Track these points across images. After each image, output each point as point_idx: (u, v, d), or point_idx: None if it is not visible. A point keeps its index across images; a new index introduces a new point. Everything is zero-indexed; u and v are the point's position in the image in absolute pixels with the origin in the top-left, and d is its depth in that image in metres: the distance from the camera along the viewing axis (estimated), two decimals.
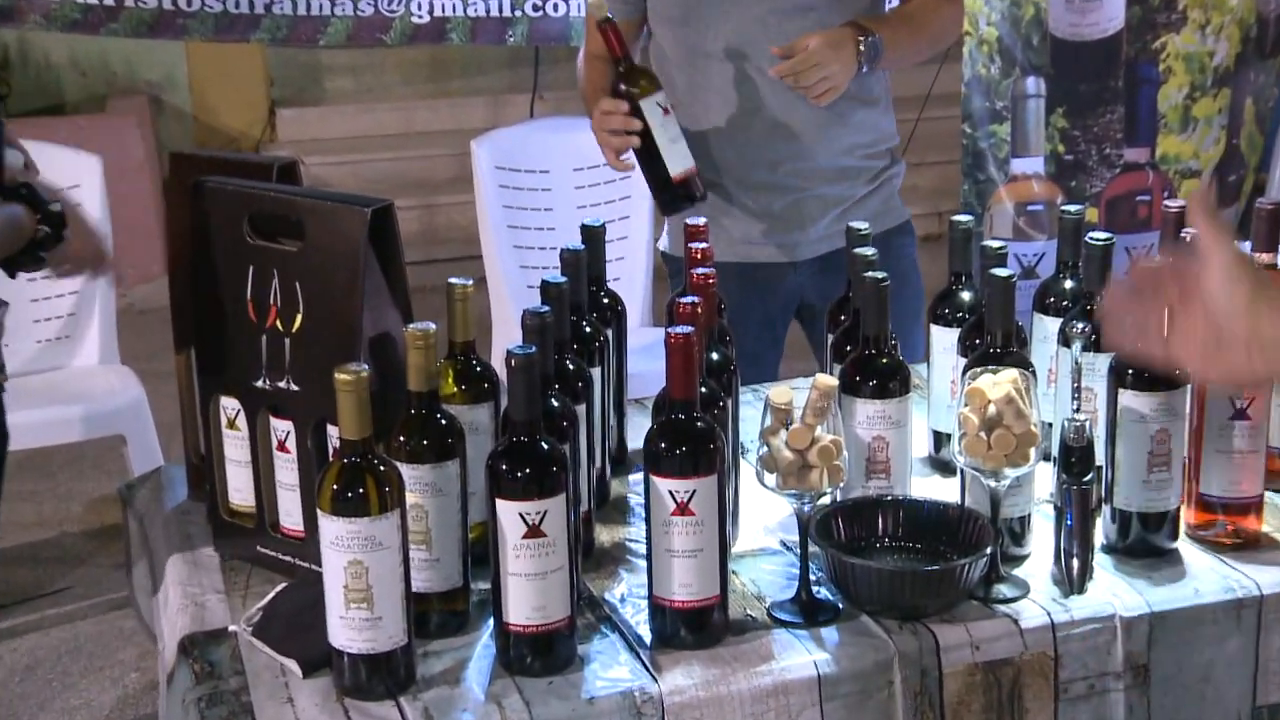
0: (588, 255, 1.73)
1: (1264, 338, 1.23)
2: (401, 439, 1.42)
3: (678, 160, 2.19)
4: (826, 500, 1.54)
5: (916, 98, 5.02)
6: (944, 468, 1.80)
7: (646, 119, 2.17)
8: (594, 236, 1.80)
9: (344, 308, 1.48)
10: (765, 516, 1.68)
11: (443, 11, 4.09)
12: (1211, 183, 1.19)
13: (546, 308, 1.50)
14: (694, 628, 1.43)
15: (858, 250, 1.70)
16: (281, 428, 1.57)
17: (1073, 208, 1.78)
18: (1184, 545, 1.62)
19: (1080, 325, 1.55)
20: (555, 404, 1.49)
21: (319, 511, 1.34)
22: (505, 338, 3.21)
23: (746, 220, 2.35)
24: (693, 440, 1.40)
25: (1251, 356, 1.24)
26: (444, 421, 1.43)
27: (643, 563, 1.50)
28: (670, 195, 2.22)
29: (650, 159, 2.19)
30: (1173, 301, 1.29)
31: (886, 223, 2.39)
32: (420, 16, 4.16)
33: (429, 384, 1.42)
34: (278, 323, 1.53)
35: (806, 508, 1.48)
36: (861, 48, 2.24)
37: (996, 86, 2.96)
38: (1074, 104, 2.97)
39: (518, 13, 4.24)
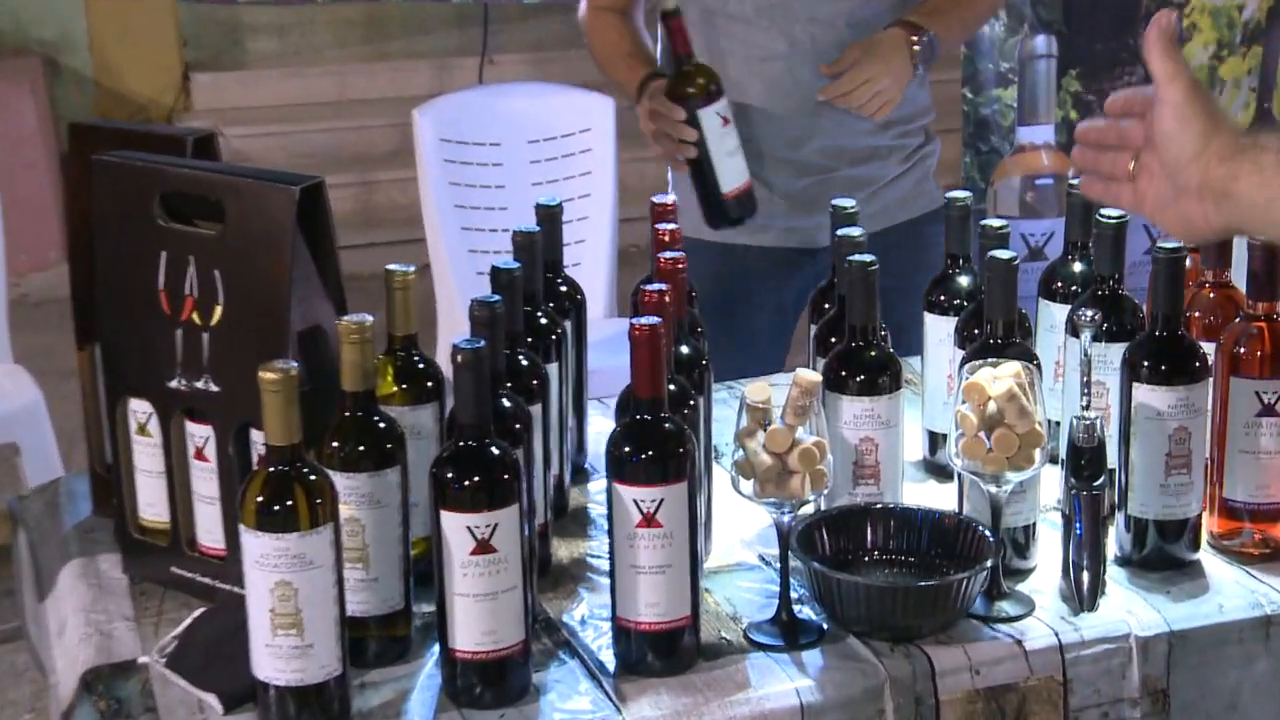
0: (543, 238, 1.75)
1: (1214, 187, 1.25)
2: (335, 445, 1.44)
3: (732, 175, 2.22)
4: (809, 509, 1.56)
5: None
6: (940, 472, 1.82)
7: (703, 130, 2.20)
8: (550, 217, 1.81)
9: (269, 298, 1.49)
10: (741, 528, 1.71)
11: None
12: (1173, 14, 1.24)
13: (497, 297, 1.52)
14: (662, 652, 1.45)
15: (843, 231, 1.72)
16: (199, 433, 1.58)
17: None
18: (1206, 556, 1.65)
19: (1090, 313, 1.58)
20: (507, 404, 1.51)
21: (242, 527, 1.36)
22: (451, 331, 3.22)
23: (763, 201, 2.38)
24: (660, 444, 1.42)
25: (1205, 208, 1.26)
26: (382, 425, 1.45)
27: (605, 580, 1.52)
28: (720, 210, 2.26)
29: (701, 170, 2.23)
30: (1138, 144, 1.32)
31: (917, 209, 2.40)
32: None
33: (365, 383, 1.44)
34: (194, 315, 1.54)
35: (787, 518, 1.51)
36: (916, 48, 2.25)
37: (1001, 46, 3.00)
38: (1089, 65, 3.00)
39: None
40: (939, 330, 1.80)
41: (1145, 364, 1.59)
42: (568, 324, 1.78)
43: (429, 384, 1.57)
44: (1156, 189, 1.31)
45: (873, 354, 1.62)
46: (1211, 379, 1.61)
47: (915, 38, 2.26)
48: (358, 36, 5.94)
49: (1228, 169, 1.25)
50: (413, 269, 1.54)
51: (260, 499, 1.34)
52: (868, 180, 2.36)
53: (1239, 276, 1.70)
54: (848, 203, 1.81)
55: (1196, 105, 1.28)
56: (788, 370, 2.27)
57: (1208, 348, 1.63)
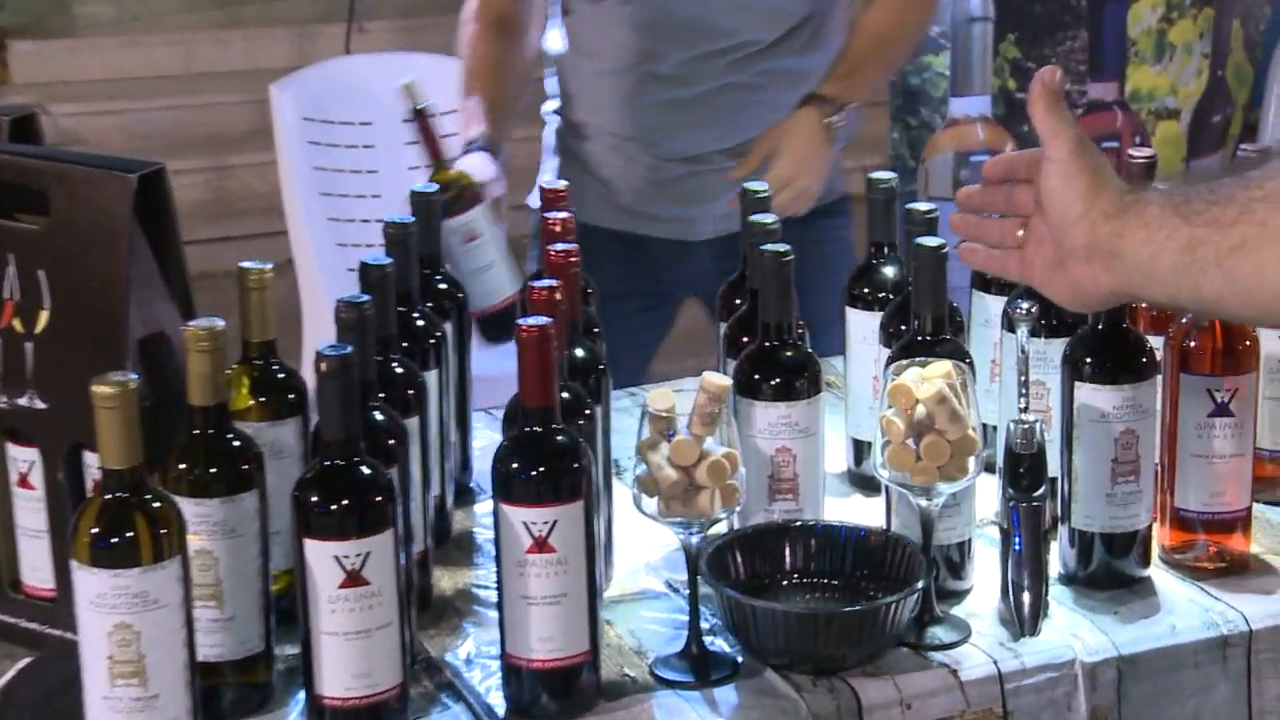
0: (419, 229, 1.75)
1: (1101, 246, 1.31)
2: (182, 467, 1.43)
3: (481, 295, 2.09)
4: (720, 529, 1.58)
5: None
6: (866, 484, 1.85)
7: (445, 243, 2.01)
8: (427, 206, 1.82)
9: (104, 302, 1.48)
10: (645, 551, 1.72)
11: None
12: (1058, 70, 1.31)
13: (366, 296, 1.52)
14: (558, 693, 1.46)
15: (755, 217, 1.74)
16: (23, 457, 1.56)
17: None
18: (1157, 572, 1.69)
19: (1027, 305, 1.62)
20: (379, 418, 1.51)
21: (74, 563, 1.35)
22: (317, 336, 3.21)
23: (638, 186, 2.40)
24: (552, 459, 1.43)
25: (1094, 270, 1.32)
26: (237, 444, 1.45)
27: (493, 614, 1.53)
28: (476, 327, 2.10)
29: None
30: (1029, 210, 1.38)
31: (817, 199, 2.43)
32: None
33: (216, 396, 1.44)
34: (15, 322, 1.53)
35: (695, 539, 1.52)
36: (838, 125, 2.26)
37: None
38: (1027, 29, 3.06)
39: None
40: (862, 327, 1.82)
41: (1088, 361, 1.63)
42: (448, 326, 1.79)
43: (290, 396, 1.57)
44: (1044, 254, 1.37)
45: (789, 354, 1.64)
46: (1160, 377, 1.66)
47: (833, 119, 2.27)
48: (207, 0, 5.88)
49: (1113, 226, 1.31)
50: (270, 266, 1.54)
51: (95, 530, 1.33)
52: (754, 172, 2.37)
53: None
54: (760, 186, 1.83)
55: (1082, 161, 1.34)
56: (664, 373, 2.31)
57: (1155, 342, 1.67)
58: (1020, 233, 1.40)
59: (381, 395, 1.54)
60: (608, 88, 2.39)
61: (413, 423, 1.60)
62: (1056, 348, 1.69)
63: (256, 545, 1.46)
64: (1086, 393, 1.63)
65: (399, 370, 1.62)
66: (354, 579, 1.37)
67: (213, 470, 1.43)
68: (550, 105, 2.51)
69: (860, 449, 1.87)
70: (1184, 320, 1.67)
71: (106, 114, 5.36)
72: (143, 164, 1.50)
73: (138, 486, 1.35)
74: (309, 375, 1.48)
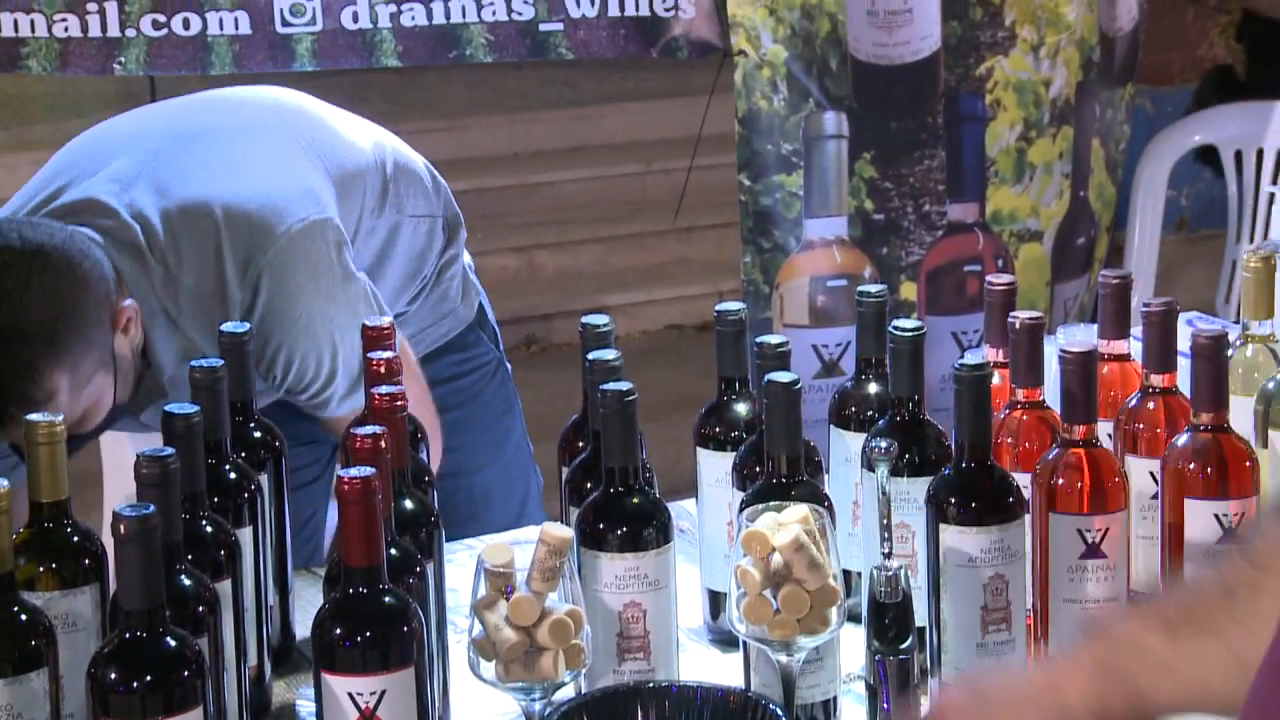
0: (230, 372, 1.74)
1: None
2: None
3: None
4: (566, 693, 1.58)
5: (684, 140, 5.19)
6: (725, 640, 1.86)
7: None
8: (238, 346, 1.81)
9: None
10: None
11: (14, 29, 3.98)
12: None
13: (170, 450, 1.51)
14: None
15: (595, 355, 1.76)
16: None
17: (873, 289, 1.89)
18: None
19: (885, 443, 1.65)
20: (187, 583, 1.49)
21: None
22: (119, 493, 3.14)
23: None
24: (379, 623, 1.42)
25: None
26: (24, 617, 1.42)
27: None
28: None
29: None
30: None
31: (440, 333, 2.39)
32: None
33: (2, 564, 1.41)
34: None
35: (539, 705, 1.52)
36: None
37: (784, 125, 3.11)
38: (884, 147, 3.14)
39: (130, 31, 4.20)
40: (714, 469, 1.84)
41: (952, 501, 1.66)
42: (264, 478, 1.78)
43: (86, 562, 1.55)
44: None
45: (635, 501, 1.65)
46: (1028, 517, 1.70)
47: None
48: None
49: None
50: (61, 418, 1.52)
51: None
52: None
53: (1053, 396, 1.79)
54: (600, 320, 1.85)
55: None
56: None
57: (1022, 479, 1.71)
58: None
59: (190, 557, 1.52)
60: None
61: (225, 586, 1.58)
62: (920, 487, 1.72)
63: None
64: (952, 535, 1.66)
65: (209, 529, 1.60)
66: None
67: None
68: None
69: (716, 601, 1.88)
70: (1050, 456, 1.71)
71: None
72: None
73: None
74: (108, 538, 1.45)
